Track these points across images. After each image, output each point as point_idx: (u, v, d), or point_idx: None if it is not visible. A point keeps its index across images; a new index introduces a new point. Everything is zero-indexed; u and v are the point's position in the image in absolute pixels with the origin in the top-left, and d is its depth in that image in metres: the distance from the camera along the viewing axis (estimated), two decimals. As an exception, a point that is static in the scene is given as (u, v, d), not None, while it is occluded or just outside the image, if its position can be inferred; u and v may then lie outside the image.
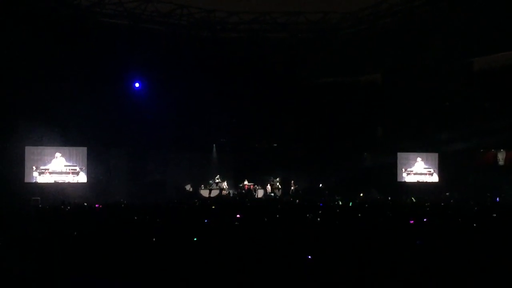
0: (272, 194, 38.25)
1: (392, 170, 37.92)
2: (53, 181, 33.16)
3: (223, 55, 37.15)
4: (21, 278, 8.92)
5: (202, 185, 37.88)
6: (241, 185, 38.76)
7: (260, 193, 37.97)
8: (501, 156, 37.49)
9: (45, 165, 33.16)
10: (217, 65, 36.83)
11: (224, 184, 37.93)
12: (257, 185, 38.55)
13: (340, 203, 23.18)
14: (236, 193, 38.12)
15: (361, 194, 34.01)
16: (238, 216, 14.84)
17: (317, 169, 38.62)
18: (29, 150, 32.92)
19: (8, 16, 29.49)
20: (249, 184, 38.57)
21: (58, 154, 33.43)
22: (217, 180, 37.86)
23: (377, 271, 8.14)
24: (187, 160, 38.82)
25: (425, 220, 13.56)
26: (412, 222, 12.84)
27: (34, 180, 32.85)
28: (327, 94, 39.26)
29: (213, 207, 21.60)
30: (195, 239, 10.35)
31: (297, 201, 28.32)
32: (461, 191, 33.23)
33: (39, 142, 32.60)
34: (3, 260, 9.48)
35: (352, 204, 22.78)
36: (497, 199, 28.61)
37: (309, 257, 8.56)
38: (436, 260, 8.53)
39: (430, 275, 8.02)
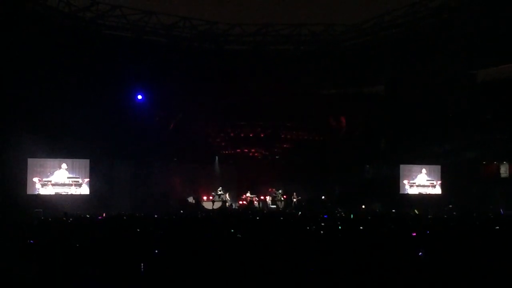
0: (274, 206, 38.29)
1: (395, 182, 37.85)
2: (56, 193, 33.12)
3: (226, 67, 37.18)
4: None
5: (205, 197, 38.00)
6: (243, 197, 38.84)
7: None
8: (503, 168, 37.46)
9: (47, 177, 33.11)
10: (220, 76, 36.90)
11: (227, 196, 37.96)
12: (255, 197, 38.74)
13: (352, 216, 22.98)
14: (237, 206, 38.16)
15: (363, 206, 33.97)
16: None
17: (320, 181, 38.60)
18: (31, 162, 32.88)
19: (11, 28, 29.55)
20: (251, 196, 38.65)
21: (64, 166, 33.39)
22: (219, 192, 37.89)
23: (379, 283, 8.12)
24: (190, 172, 38.87)
25: (427, 232, 13.53)
26: (414, 234, 12.80)
27: (37, 192, 32.81)
28: (329, 106, 39.28)
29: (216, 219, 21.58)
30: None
31: (300, 213, 28.28)
32: (464, 203, 33.15)
33: (42, 154, 32.58)
34: (6, 271, 9.47)
35: (353, 216, 22.70)
36: (501, 212, 28.55)
37: (312, 269, 8.56)
38: (439, 272, 8.51)
39: (432, 287, 8.00)
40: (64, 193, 33.33)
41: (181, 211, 30.62)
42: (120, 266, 9.54)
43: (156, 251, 10.33)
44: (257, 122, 40.75)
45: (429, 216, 22.85)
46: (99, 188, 34.07)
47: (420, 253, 9.69)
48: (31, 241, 12.46)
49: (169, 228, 16.03)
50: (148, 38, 36.47)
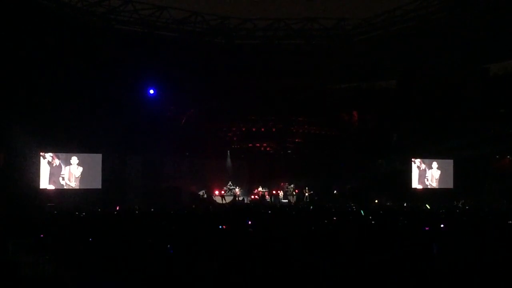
0: (286, 201, 38.33)
1: (407, 176, 37.71)
2: (68, 187, 33.19)
3: (238, 62, 37.15)
4: (36, 282, 8.96)
5: (216, 191, 38.07)
6: (255, 191, 38.91)
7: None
8: (516, 163, 37.23)
9: (60, 171, 33.17)
10: (232, 71, 36.89)
11: (237, 190, 38.02)
12: (267, 191, 38.86)
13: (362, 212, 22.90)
14: (249, 201, 38.19)
15: (376, 201, 33.91)
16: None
17: (332, 175, 38.56)
18: (44, 156, 32.98)
19: (24, 23, 29.63)
20: (263, 190, 38.70)
21: (74, 161, 33.42)
22: (230, 187, 37.96)
23: (391, 277, 8.11)
24: (201, 167, 38.91)
25: (440, 226, 13.47)
26: (427, 229, 12.75)
27: (49, 186, 32.88)
28: (341, 100, 39.23)
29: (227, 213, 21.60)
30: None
31: (311, 207, 28.26)
32: (476, 198, 33.00)
33: (54, 148, 32.66)
34: (19, 265, 9.51)
35: (364, 212, 22.62)
36: None
37: (324, 263, 8.54)
38: (451, 266, 8.48)
39: (445, 281, 7.97)
40: (76, 187, 33.39)
41: (193, 206, 30.66)
42: (132, 261, 9.56)
43: (169, 245, 10.34)
44: (269, 117, 40.76)
45: (441, 211, 22.77)
46: (111, 182, 34.12)
47: (434, 248, 9.66)
48: (44, 236, 12.51)
49: (181, 223, 16.04)
50: (160, 33, 36.46)
